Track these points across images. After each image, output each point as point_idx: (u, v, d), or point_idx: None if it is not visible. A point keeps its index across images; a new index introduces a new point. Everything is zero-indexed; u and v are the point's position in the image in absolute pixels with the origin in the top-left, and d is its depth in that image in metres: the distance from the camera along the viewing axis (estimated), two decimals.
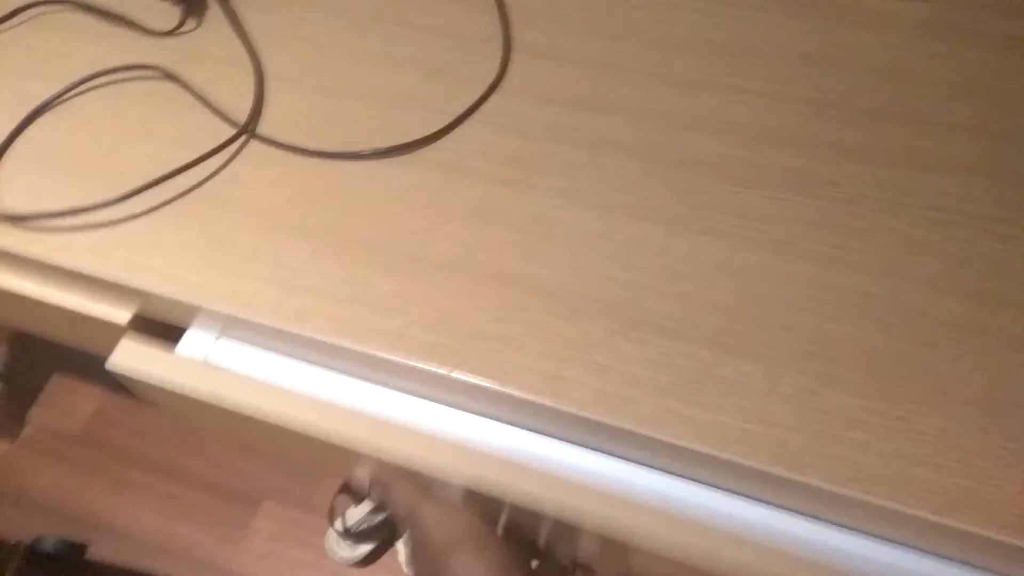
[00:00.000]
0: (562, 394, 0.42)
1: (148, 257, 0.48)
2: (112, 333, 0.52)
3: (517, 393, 0.42)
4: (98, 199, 0.50)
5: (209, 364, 0.49)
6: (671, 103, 0.53)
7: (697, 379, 0.41)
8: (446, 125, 0.53)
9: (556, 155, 0.51)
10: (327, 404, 0.46)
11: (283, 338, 0.46)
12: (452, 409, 0.46)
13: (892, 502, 0.37)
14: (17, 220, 0.50)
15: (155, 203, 0.50)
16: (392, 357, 0.43)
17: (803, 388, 0.41)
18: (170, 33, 0.60)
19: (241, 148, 0.53)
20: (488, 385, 0.42)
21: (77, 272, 0.48)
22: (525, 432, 0.45)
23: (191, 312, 0.48)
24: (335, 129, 0.53)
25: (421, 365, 0.43)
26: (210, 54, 0.58)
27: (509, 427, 0.46)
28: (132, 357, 0.49)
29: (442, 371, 0.43)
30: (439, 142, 0.52)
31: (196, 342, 0.50)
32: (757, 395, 0.41)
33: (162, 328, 0.53)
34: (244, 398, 0.47)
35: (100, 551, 1.29)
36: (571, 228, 0.48)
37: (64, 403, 1.42)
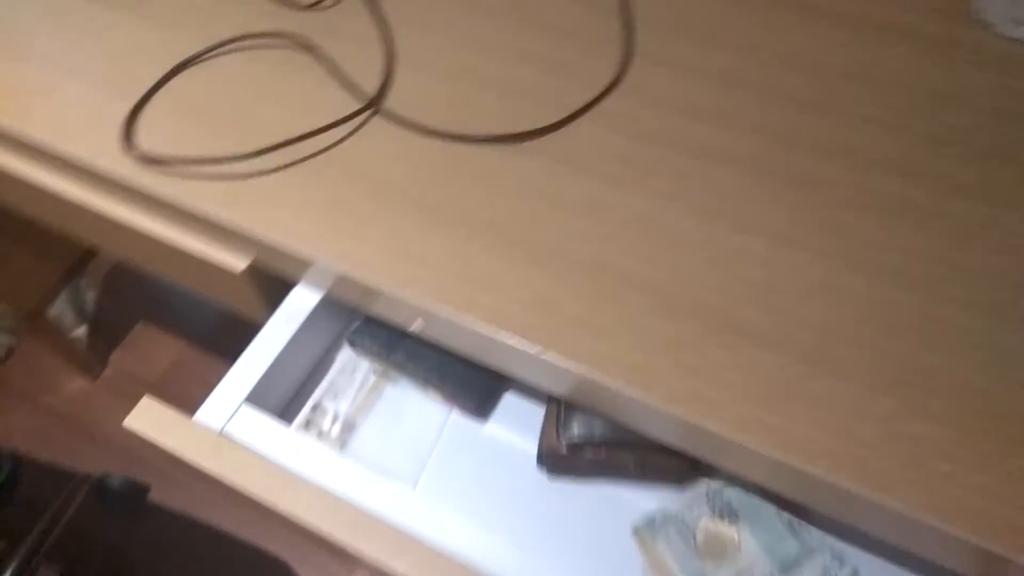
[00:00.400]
0: (649, 387, 0.43)
1: (271, 211, 0.51)
2: (227, 280, 0.56)
3: (604, 380, 0.43)
4: (231, 152, 0.53)
5: (224, 437, 0.50)
6: (786, 121, 0.54)
7: (786, 391, 0.42)
8: (561, 119, 0.54)
9: (666, 159, 0.52)
10: (335, 501, 0.46)
11: (387, 302, 0.49)
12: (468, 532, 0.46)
13: (972, 535, 0.37)
14: (155, 162, 0.53)
15: (282, 163, 0.53)
16: (488, 331, 0.45)
17: (892, 413, 0.41)
18: (311, 7, 0.64)
19: (366, 121, 0.55)
20: (576, 370, 0.44)
21: (205, 216, 0.52)
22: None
23: (304, 266, 0.51)
24: (456, 113, 0.56)
25: (514, 342, 0.45)
26: (346, 30, 0.62)
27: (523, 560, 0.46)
28: (148, 421, 0.51)
29: (534, 351, 0.45)
30: (553, 135, 0.54)
31: (215, 411, 0.51)
32: (845, 414, 0.41)
33: (272, 282, 0.56)
34: (252, 481, 0.47)
35: (160, 495, 1.35)
36: (674, 231, 0.49)
37: (145, 350, 1.50)
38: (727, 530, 0.50)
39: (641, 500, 0.54)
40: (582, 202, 0.51)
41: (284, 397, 0.57)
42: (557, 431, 0.53)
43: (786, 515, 0.50)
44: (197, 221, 0.53)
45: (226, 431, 0.50)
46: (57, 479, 1.36)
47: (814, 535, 0.50)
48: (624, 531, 0.52)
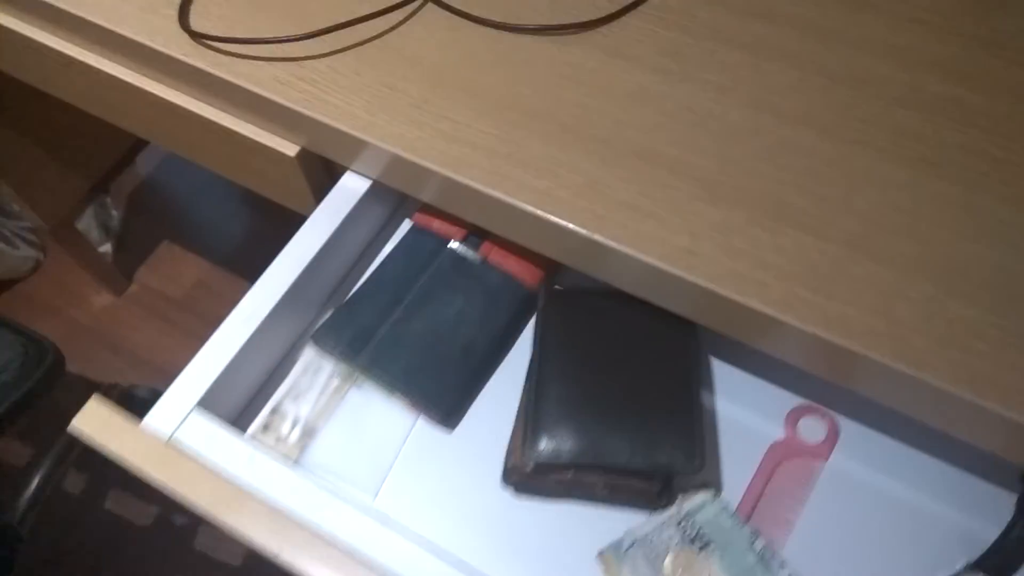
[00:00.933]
0: (694, 268, 0.44)
1: (325, 93, 0.52)
2: (277, 167, 0.57)
3: (650, 260, 0.45)
4: (285, 34, 0.54)
5: (172, 445, 0.48)
6: (838, 20, 0.54)
7: (828, 273, 0.43)
8: (614, 12, 0.55)
9: (716, 54, 0.53)
10: (285, 519, 0.45)
11: (438, 185, 0.50)
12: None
13: (1002, 407, 0.39)
14: (209, 42, 0.54)
15: (336, 46, 0.54)
16: (540, 213, 0.47)
17: (931, 296, 0.42)
18: None
19: (419, 8, 0.56)
20: (624, 250, 0.45)
21: (259, 97, 0.53)
22: None
23: (357, 149, 0.52)
24: (507, 1, 0.56)
25: (565, 223, 0.46)
26: None
27: None
28: (95, 425, 0.48)
29: (583, 231, 0.46)
30: (605, 27, 0.55)
31: (165, 417, 0.48)
32: (885, 296, 0.43)
33: (319, 172, 0.57)
34: (199, 493, 0.45)
35: None
36: (723, 121, 0.50)
37: (170, 268, 1.52)
38: (696, 558, 0.48)
39: (610, 522, 0.51)
40: (632, 93, 0.51)
41: (242, 398, 0.55)
42: (524, 448, 0.50)
43: (759, 545, 0.48)
44: (250, 104, 0.54)
45: (175, 439, 0.48)
46: (85, 390, 1.40)
47: (785, 571, 0.48)
48: (590, 554, 0.50)
